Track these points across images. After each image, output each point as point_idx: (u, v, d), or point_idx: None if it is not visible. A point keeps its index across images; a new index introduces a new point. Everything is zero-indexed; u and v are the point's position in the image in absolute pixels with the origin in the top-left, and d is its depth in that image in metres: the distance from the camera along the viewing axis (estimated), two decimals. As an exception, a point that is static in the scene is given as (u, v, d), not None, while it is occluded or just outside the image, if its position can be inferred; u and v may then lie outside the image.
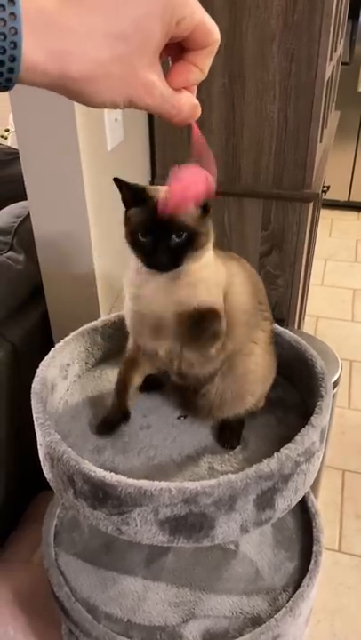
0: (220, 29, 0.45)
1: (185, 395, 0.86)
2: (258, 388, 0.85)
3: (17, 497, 1.40)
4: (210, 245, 0.75)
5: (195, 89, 0.48)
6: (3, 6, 0.35)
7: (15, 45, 0.36)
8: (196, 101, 0.47)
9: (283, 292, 1.52)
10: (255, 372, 0.84)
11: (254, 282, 0.85)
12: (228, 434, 0.86)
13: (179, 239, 0.70)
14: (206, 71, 0.46)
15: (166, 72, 0.45)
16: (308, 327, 2.55)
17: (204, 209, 0.72)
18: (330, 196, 3.11)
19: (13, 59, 0.37)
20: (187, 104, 0.46)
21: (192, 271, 0.73)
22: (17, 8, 0.36)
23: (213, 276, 0.76)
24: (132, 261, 0.75)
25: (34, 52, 0.37)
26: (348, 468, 1.89)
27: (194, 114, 0.47)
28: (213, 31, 0.44)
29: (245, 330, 0.81)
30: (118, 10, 0.39)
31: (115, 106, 0.43)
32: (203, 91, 1.34)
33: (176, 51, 0.45)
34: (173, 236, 0.69)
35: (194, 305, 0.74)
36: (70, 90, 0.41)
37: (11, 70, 0.37)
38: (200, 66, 0.46)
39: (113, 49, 0.40)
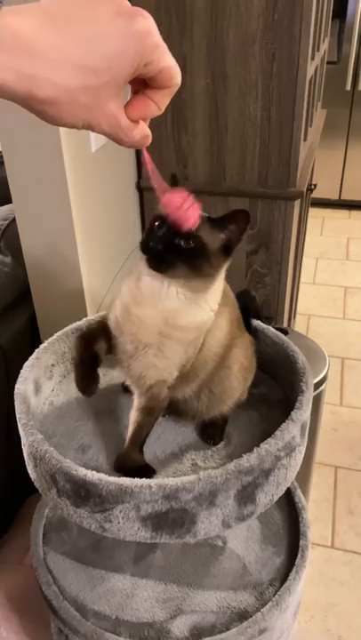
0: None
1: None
2: (238, 392, 0.86)
3: (8, 499, 1.41)
4: (211, 288, 0.75)
5: (148, 120, 0.51)
6: None
7: None
8: (148, 132, 0.50)
9: (270, 290, 1.53)
10: (233, 386, 0.85)
11: (235, 315, 0.85)
12: (212, 430, 0.87)
13: (183, 243, 0.69)
14: (163, 108, 0.50)
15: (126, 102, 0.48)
16: (300, 325, 2.56)
17: (227, 250, 0.73)
18: (321, 194, 3.12)
19: None
20: (139, 134, 0.49)
21: (188, 306, 0.73)
22: None
23: (202, 326, 0.77)
24: (136, 272, 0.75)
25: (4, 72, 0.40)
26: (340, 464, 1.90)
27: (144, 143, 0.50)
28: (176, 76, 0.47)
29: (218, 360, 0.82)
30: (94, 44, 0.42)
31: (73, 127, 0.46)
32: (187, 91, 1.36)
33: (138, 83, 0.48)
34: (181, 238, 0.69)
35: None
36: (34, 109, 0.43)
37: None
38: (158, 103, 0.49)
39: (82, 80, 0.42)
